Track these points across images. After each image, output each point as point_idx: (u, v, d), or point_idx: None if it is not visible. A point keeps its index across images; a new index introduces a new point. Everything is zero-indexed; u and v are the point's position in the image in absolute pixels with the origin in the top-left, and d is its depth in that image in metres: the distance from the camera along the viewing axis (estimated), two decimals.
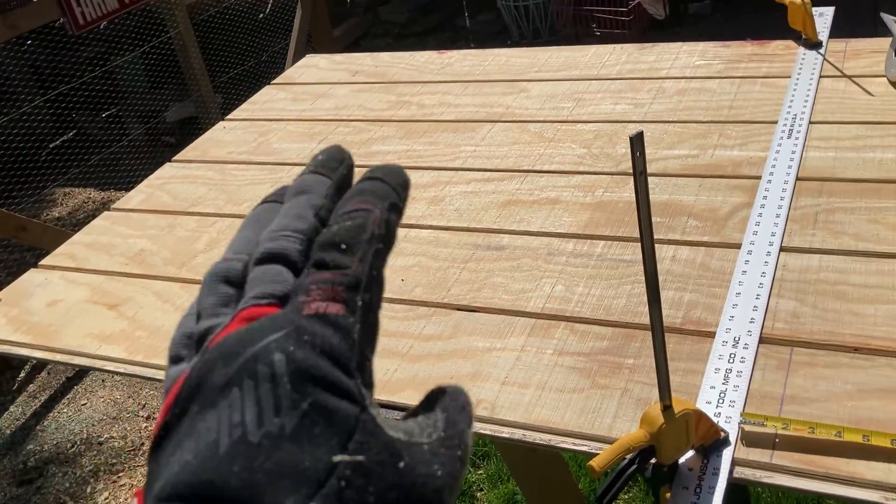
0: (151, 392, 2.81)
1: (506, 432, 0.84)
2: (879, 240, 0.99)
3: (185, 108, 4.33)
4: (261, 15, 4.60)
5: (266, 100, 1.77)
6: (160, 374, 1.04)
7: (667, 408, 0.71)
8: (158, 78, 4.37)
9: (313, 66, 1.90)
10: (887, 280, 0.92)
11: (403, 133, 1.51)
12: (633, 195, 1.10)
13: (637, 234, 1.12)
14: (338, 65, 1.89)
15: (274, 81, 1.86)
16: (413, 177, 1.36)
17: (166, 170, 1.56)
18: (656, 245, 1.07)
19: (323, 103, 1.70)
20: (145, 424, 2.68)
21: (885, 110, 1.25)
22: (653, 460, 0.73)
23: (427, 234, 1.20)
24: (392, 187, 0.36)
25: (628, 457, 0.72)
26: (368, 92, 1.71)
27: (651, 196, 1.18)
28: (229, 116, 1.73)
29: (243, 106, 1.76)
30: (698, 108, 1.38)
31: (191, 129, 4.15)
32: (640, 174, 0.60)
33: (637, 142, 0.59)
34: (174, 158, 1.59)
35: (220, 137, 1.64)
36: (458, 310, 1.03)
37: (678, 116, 1.37)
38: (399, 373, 0.94)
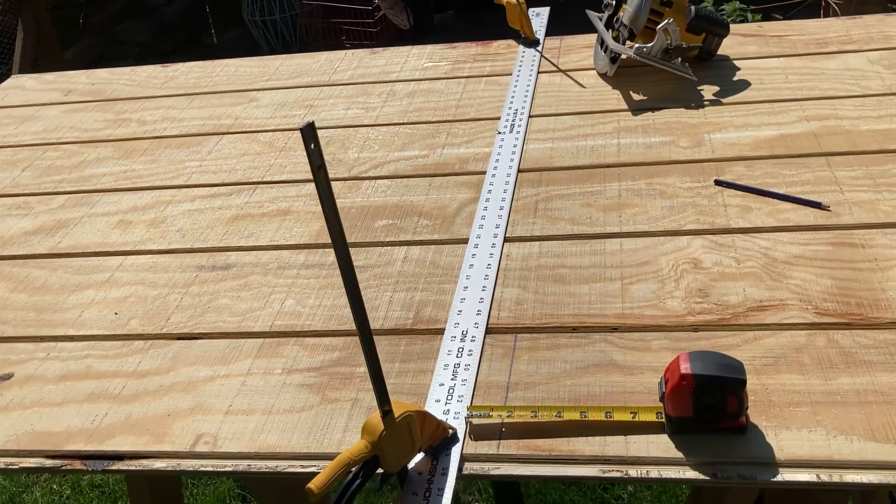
0: None
1: (229, 465, 0.77)
2: (592, 222, 1.03)
3: None
4: None
5: None
6: None
7: (386, 413, 0.67)
8: None
9: (19, 88, 1.71)
10: (599, 259, 0.95)
11: (122, 153, 1.38)
12: (366, 199, 1.07)
13: (370, 239, 1.09)
14: (48, 84, 1.70)
15: None
16: (131, 200, 1.25)
17: None
18: (389, 248, 1.05)
19: (29, 127, 1.52)
20: None
21: (595, 100, 1.32)
22: (379, 470, 0.69)
23: (145, 260, 1.10)
24: None
25: (353, 470, 0.68)
26: (83, 111, 1.56)
27: (384, 198, 1.16)
28: None
29: None
30: (427, 108, 1.38)
31: None
32: (318, 168, 0.56)
33: (309, 133, 0.55)
34: None
35: None
36: (179, 339, 0.94)
37: (408, 118, 1.36)
38: (109, 417, 0.84)
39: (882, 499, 1.20)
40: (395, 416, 0.68)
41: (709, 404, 0.68)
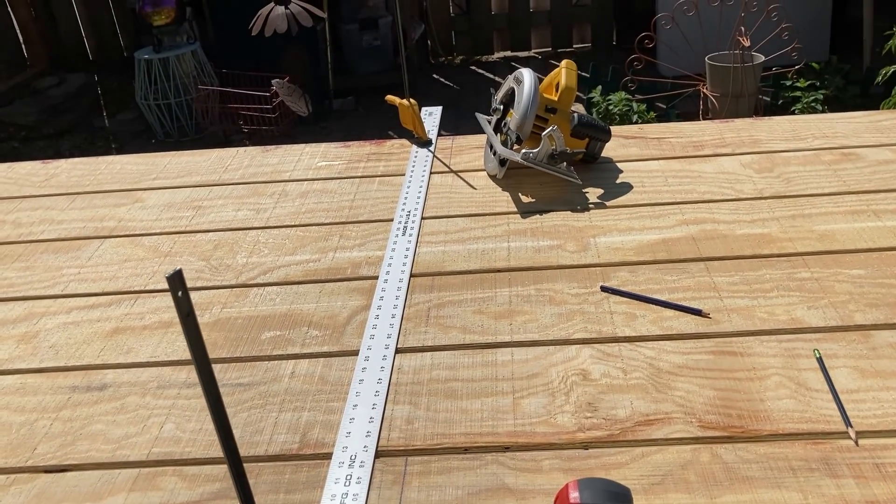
0: None
1: None
2: (483, 330, 1.03)
3: None
4: None
5: None
6: None
7: None
8: None
9: None
10: (490, 371, 0.95)
11: None
12: (254, 309, 1.04)
13: (256, 352, 1.06)
14: None
15: None
16: (1, 311, 1.18)
17: None
18: (276, 361, 1.02)
19: None
20: None
21: (486, 202, 1.34)
22: None
23: (13, 380, 1.02)
24: None
25: None
26: None
27: (272, 306, 1.13)
28: None
29: None
30: (320, 209, 1.37)
31: None
32: (186, 316, 0.54)
33: (177, 281, 0.52)
34: None
35: None
36: (46, 472, 0.88)
37: (300, 220, 1.35)
38: None
39: None
40: None
41: None
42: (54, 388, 1.00)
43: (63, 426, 0.94)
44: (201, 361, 0.55)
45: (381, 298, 1.11)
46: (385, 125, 3.84)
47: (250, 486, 0.61)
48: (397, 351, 1.01)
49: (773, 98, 3.82)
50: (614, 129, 1.47)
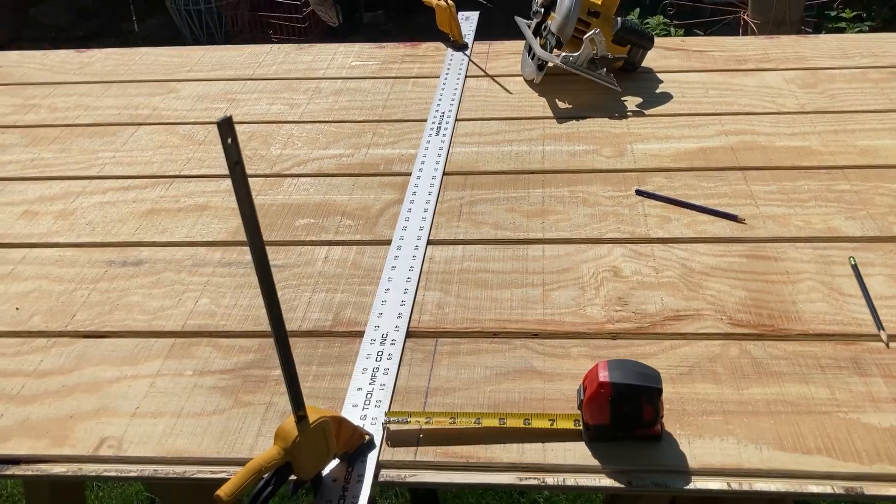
0: None
1: (134, 471, 0.73)
2: (515, 227, 1.03)
3: None
4: None
5: None
6: None
7: (301, 419, 0.65)
8: None
9: None
10: (521, 264, 0.95)
11: (30, 140, 1.32)
12: (288, 197, 1.05)
13: (290, 237, 1.07)
14: None
15: None
16: (38, 189, 1.19)
17: None
18: (310, 247, 1.03)
19: None
20: None
21: (521, 106, 1.33)
22: (293, 477, 0.67)
23: (51, 253, 1.04)
24: None
25: (265, 477, 0.65)
26: None
27: (306, 196, 1.13)
28: None
29: None
30: (353, 107, 1.36)
31: None
32: (234, 164, 0.54)
33: (226, 128, 0.52)
34: None
35: None
36: (85, 337, 0.90)
37: (334, 116, 1.34)
38: (6, 419, 0.79)
39: None
40: (310, 421, 0.66)
41: (626, 412, 0.69)
42: (91, 262, 1.02)
43: (100, 297, 0.96)
44: (248, 212, 0.55)
45: (414, 193, 1.11)
46: (415, 41, 3.77)
47: (290, 349, 0.62)
48: (429, 243, 1.01)
49: (815, 29, 3.71)
50: (656, 40, 1.43)
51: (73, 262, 1.02)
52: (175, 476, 0.73)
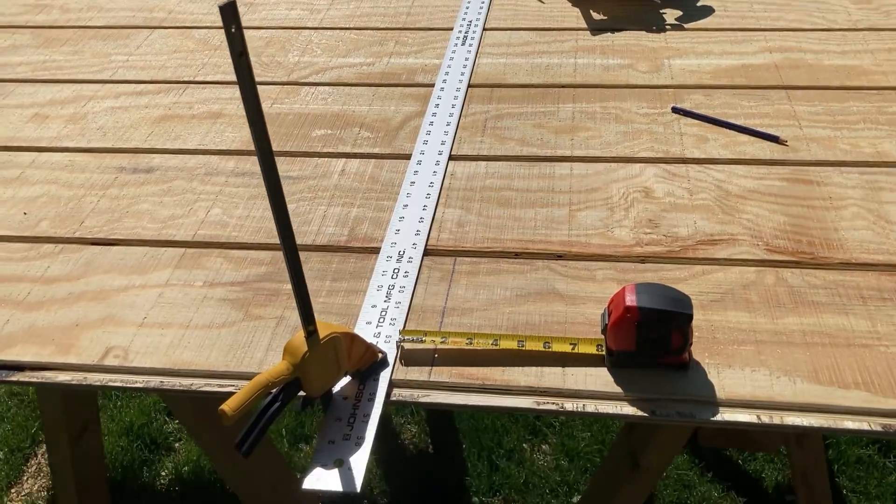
0: None
1: (140, 381, 0.71)
2: (543, 143, 0.97)
3: None
4: None
5: None
6: None
7: (311, 334, 0.62)
8: None
9: None
10: (547, 183, 0.91)
11: (41, 42, 1.27)
12: (305, 106, 1.00)
13: (306, 148, 1.02)
14: None
15: None
16: (49, 92, 1.15)
17: None
18: (326, 159, 0.98)
19: None
20: None
21: (553, 17, 1.25)
22: (302, 393, 0.65)
23: (61, 157, 1.01)
24: None
25: (273, 392, 0.63)
26: None
27: (324, 106, 1.08)
28: None
29: None
30: (376, 14, 1.30)
31: None
32: (239, 55, 0.49)
33: (230, 14, 0.48)
34: None
35: None
36: (93, 244, 0.87)
37: (355, 23, 1.28)
38: (11, 325, 0.77)
39: (814, 439, 1.21)
40: (321, 337, 0.63)
41: (652, 339, 0.65)
42: (101, 168, 0.99)
43: (110, 203, 0.93)
44: (252, 104, 0.51)
45: (437, 106, 1.06)
46: None
47: (300, 261, 0.59)
48: (451, 158, 0.96)
49: None
50: None
51: (83, 168, 0.99)
52: (181, 388, 0.71)
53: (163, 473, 1.58)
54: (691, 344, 0.66)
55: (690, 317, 0.64)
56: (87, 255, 0.86)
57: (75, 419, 1.03)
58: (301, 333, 0.62)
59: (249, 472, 1.03)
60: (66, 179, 0.97)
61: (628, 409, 0.65)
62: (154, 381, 0.71)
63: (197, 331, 0.75)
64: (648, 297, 0.64)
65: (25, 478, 1.60)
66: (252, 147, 0.99)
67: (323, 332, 0.63)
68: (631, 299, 0.64)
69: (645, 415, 0.65)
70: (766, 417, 0.64)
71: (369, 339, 0.72)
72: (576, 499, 1.48)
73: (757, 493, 1.46)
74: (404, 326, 0.73)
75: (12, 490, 1.59)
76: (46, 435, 1.37)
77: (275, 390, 0.63)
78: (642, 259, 0.79)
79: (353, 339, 0.67)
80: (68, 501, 1.14)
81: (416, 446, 1.63)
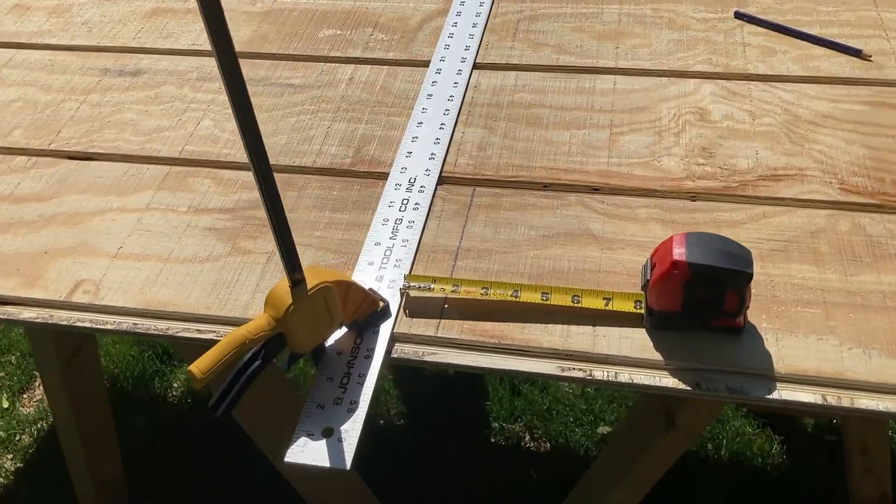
0: None
1: (111, 323, 0.63)
2: (583, 51, 0.84)
3: None
4: None
5: None
6: None
7: (296, 283, 0.53)
8: None
9: None
10: (586, 99, 0.78)
11: None
12: (311, 1, 0.87)
13: (311, 51, 0.90)
14: None
15: None
16: None
17: None
18: (333, 65, 0.87)
19: None
20: None
21: None
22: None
23: (41, 56, 0.91)
24: None
25: (253, 350, 0.54)
26: None
27: (333, 2, 0.96)
28: None
29: None
30: None
31: None
32: None
33: None
34: None
35: None
36: (69, 158, 0.78)
37: None
38: None
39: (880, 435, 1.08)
40: (309, 287, 0.53)
41: (702, 299, 0.54)
42: (84, 69, 0.88)
43: (91, 111, 0.82)
44: (212, 12, 0.40)
45: (462, 4, 0.92)
46: None
47: (279, 197, 0.49)
48: (475, 66, 0.84)
49: None
50: None
51: (63, 69, 0.88)
52: (157, 332, 0.62)
53: (174, 385, 1.54)
54: (748, 307, 0.55)
55: (750, 276, 0.53)
56: (61, 171, 0.76)
57: (65, 346, 0.97)
58: (284, 283, 0.53)
59: (254, 399, 0.96)
60: (44, 81, 0.87)
61: (668, 381, 0.55)
62: (127, 323, 0.63)
63: (177, 265, 0.66)
64: (701, 251, 0.54)
65: (37, 384, 1.57)
66: (251, 49, 0.88)
67: (312, 281, 0.53)
68: (680, 252, 0.54)
69: (688, 388, 0.55)
70: (832, 398, 0.53)
71: (370, 283, 0.62)
72: (602, 429, 1.41)
73: (795, 431, 1.37)
74: (411, 270, 0.64)
75: (24, 395, 1.57)
76: (36, 362, 1.32)
77: (254, 348, 0.54)
78: (693, 196, 0.68)
79: (349, 287, 0.57)
80: (66, 426, 1.09)
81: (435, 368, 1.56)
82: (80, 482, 1.21)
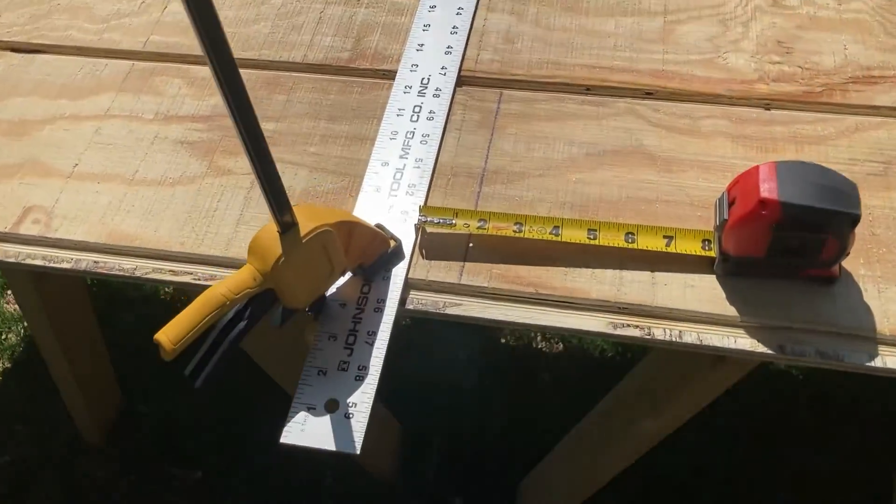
0: None
1: (66, 261, 0.52)
2: None
3: None
4: None
5: None
6: None
7: (287, 228, 0.42)
8: None
9: None
10: None
11: None
12: None
13: None
14: None
15: None
16: None
17: None
18: None
19: None
20: None
21: None
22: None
23: None
24: None
25: (237, 308, 0.44)
26: None
27: None
28: None
29: None
30: None
31: None
32: None
33: None
34: None
35: None
36: (11, 50, 0.65)
37: None
38: None
39: None
40: (303, 232, 0.42)
41: (794, 246, 0.44)
42: None
43: None
44: None
45: None
46: None
47: (251, 107, 0.37)
48: None
49: None
50: None
51: None
52: (121, 273, 0.52)
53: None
54: (848, 254, 0.45)
55: (857, 218, 0.42)
56: (1, 68, 0.63)
57: None
58: (270, 228, 0.42)
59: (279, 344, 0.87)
60: None
61: (745, 342, 0.45)
62: (86, 261, 0.52)
63: (144, 188, 0.55)
64: (796, 187, 0.42)
65: None
66: None
67: (306, 225, 0.43)
68: (769, 188, 0.43)
69: (770, 352, 0.45)
70: None
71: (377, 216, 0.51)
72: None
73: None
74: (426, 201, 0.52)
75: (7, 291, 1.48)
76: (9, 280, 1.22)
77: (237, 307, 0.43)
78: (767, 103, 0.56)
79: (353, 227, 0.46)
80: (47, 340, 1.01)
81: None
82: (70, 400, 1.15)
